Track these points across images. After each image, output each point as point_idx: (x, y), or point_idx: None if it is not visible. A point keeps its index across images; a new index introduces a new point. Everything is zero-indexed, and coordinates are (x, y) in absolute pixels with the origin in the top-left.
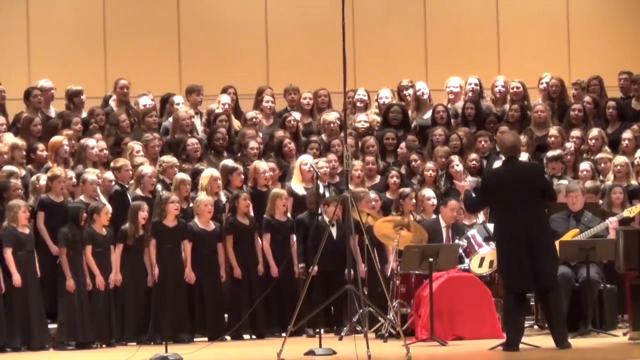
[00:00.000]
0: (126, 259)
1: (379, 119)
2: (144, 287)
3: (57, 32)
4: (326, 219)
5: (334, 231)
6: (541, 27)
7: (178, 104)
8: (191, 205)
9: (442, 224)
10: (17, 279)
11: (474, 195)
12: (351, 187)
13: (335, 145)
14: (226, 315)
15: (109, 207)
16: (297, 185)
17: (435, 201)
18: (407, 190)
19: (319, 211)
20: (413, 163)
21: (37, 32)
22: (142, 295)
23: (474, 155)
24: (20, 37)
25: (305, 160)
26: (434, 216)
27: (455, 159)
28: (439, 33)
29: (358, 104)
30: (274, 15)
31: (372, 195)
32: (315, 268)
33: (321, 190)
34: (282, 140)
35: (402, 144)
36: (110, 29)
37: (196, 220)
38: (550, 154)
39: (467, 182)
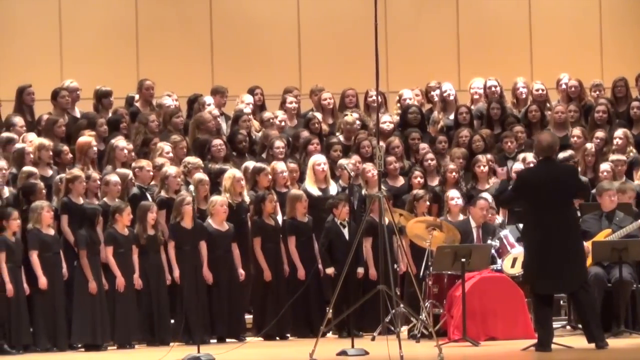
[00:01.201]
0: (144, 259)
1: (398, 119)
2: (164, 287)
3: (89, 32)
4: (337, 220)
5: (345, 232)
6: (573, 28)
7: (209, 105)
8: None
9: (473, 224)
10: (42, 281)
11: (509, 189)
12: (367, 190)
13: (366, 147)
14: (251, 316)
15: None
16: (311, 186)
17: (460, 201)
18: (420, 192)
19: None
20: (429, 162)
21: (69, 32)
22: (165, 296)
23: (489, 156)
24: (53, 38)
25: (318, 160)
26: (461, 216)
27: (483, 158)
28: (471, 33)
29: (374, 104)
30: (306, 16)
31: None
32: (331, 269)
33: (335, 191)
34: (309, 140)
35: (421, 145)
36: (142, 28)
37: (210, 220)
38: (561, 155)
39: (498, 176)
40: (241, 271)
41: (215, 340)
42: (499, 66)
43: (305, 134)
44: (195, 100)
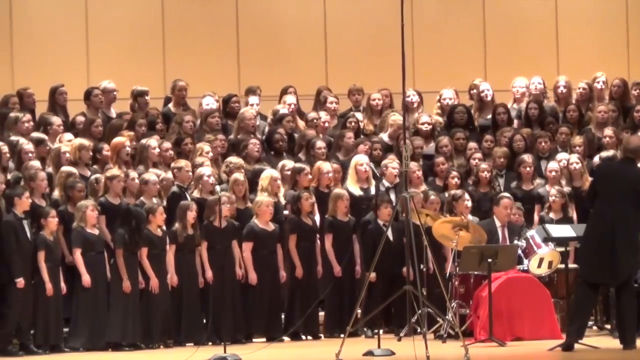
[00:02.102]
0: (179, 259)
1: (441, 119)
2: (195, 287)
3: (115, 33)
4: (380, 222)
5: (390, 233)
6: (600, 26)
7: (252, 105)
8: (249, 205)
9: (497, 223)
10: (86, 279)
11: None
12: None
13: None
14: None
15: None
16: (353, 186)
17: (469, 203)
18: (459, 192)
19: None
20: (477, 161)
21: (96, 34)
22: (196, 296)
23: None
24: (80, 39)
25: (361, 160)
26: (470, 217)
27: (529, 159)
28: (497, 33)
29: (412, 105)
30: (332, 15)
31: (428, 194)
32: (374, 274)
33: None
34: (361, 141)
35: (470, 144)
36: (168, 30)
37: (256, 220)
38: (604, 154)
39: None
40: (283, 273)
41: (248, 340)
42: (526, 66)
43: (350, 134)
44: (229, 100)
